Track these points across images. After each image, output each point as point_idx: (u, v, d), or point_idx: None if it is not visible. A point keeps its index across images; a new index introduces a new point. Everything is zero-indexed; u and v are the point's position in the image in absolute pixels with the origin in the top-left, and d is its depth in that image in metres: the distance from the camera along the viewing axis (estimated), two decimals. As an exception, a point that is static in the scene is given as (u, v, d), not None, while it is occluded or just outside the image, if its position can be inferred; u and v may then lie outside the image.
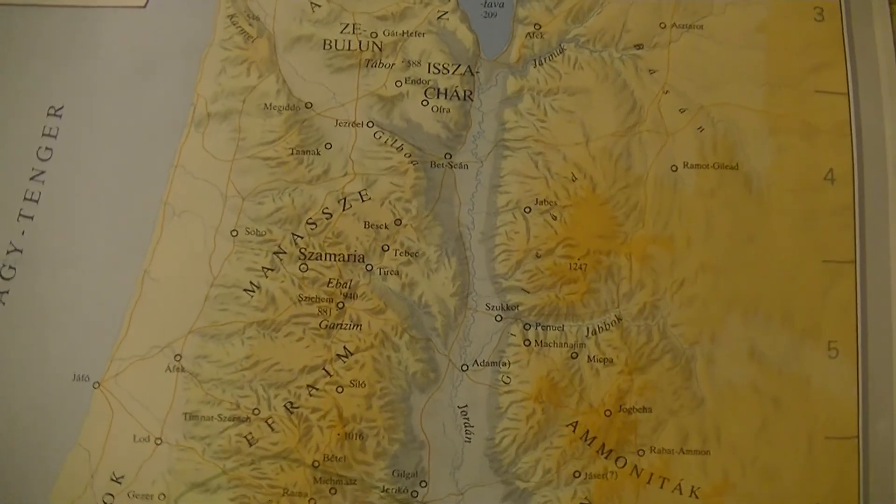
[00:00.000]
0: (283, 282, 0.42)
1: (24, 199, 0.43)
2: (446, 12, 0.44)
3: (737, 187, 0.44)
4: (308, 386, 0.42)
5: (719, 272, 0.44)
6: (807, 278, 0.44)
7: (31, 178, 0.43)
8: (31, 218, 0.43)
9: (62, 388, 0.42)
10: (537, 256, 0.43)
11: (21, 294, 0.42)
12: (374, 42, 0.44)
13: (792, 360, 0.44)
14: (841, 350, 0.44)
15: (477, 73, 0.44)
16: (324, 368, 0.42)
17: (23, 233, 0.43)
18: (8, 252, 0.43)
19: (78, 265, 0.43)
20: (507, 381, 0.42)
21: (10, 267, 0.43)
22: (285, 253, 0.42)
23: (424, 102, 0.43)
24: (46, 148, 0.43)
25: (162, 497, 0.42)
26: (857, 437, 0.44)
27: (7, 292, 0.42)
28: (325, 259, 0.42)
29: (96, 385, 0.42)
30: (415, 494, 0.42)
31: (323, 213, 0.42)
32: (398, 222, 0.43)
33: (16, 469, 0.42)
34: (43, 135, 0.43)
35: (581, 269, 0.43)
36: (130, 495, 0.42)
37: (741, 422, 0.43)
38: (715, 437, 0.43)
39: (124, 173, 0.43)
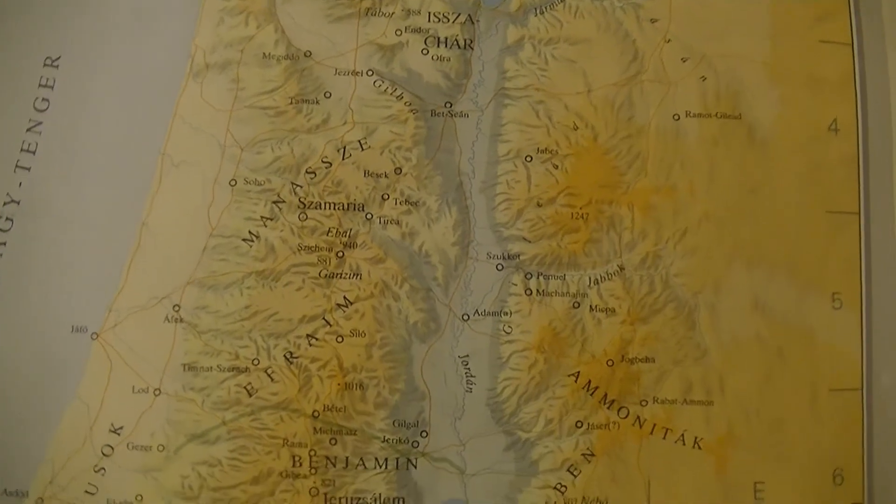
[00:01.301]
0: (282, 231, 0.42)
1: (22, 150, 0.43)
2: (446, -38, 0.44)
3: (740, 137, 0.44)
4: (308, 336, 0.42)
5: (722, 222, 0.43)
6: (811, 229, 0.44)
7: (28, 130, 0.43)
8: (28, 169, 0.43)
9: (60, 340, 0.42)
10: (538, 205, 0.42)
11: (18, 246, 0.42)
12: (373, -9, 0.44)
13: (796, 312, 0.43)
14: (845, 301, 0.44)
15: (477, 21, 0.43)
16: (323, 318, 0.42)
17: (20, 184, 0.42)
18: (5, 203, 0.42)
19: (76, 216, 0.42)
20: (509, 330, 0.42)
21: (7, 219, 0.42)
22: (284, 202, 0.42)
23: (424, 51, 0.43)
24: (43, 99, 0.43)
25: (161, 448, 0.41)
26: (861, 389, 0.44)
27: (4, 244, 0.42)
28: (325, 208, 0.42)
29: (95, 336, 0.42)
30: (416, 445, 0.42)
31: (322, 162, 0.42)
32: (398, 171, 0.42)
33: (14, 421, 0.41)
34: (40, 86, 0.43)
35: (583, 218, 0.43)
36: (129, 447, 0.41)
37: (745, 373, 0.43)
38: (718, 387, 0.43)
39: (122, 124, 0.43)
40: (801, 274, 0.44)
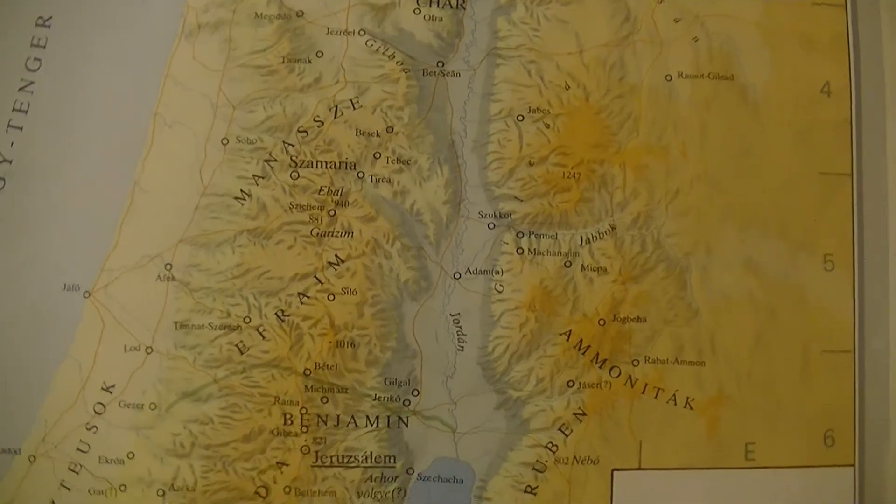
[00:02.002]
0: (274, 190, 0.42)
1: (13, 109, 0.43)
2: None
3: (732, 99, 0.44)
4: (299, 294, 0.42)
5: (714, 183, 0.43)
6: (803, 191, 0.44)
7: (20, 89, 0.43)
8: (20, 128, 0.43)
9: (52, 299, 0.42)
10: (530, 164, 0.42)
11: (10, 205, 0.42)
12: (365, -48, 0.44)
13: (787, 273, 0.43)
14: (837, 263, 0.44)
15: (469, -19, 0.43)
16: (315, 276, 0.42)
17: (12, 144, 0.42)
18: (-3, 163, 0.42)
19: (68, 176, 0.42)
20: (500, 289, 0.42)
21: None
22: (276, 161, 0.42)
23: (416, 11, 0.43)
24: (35, 58, 0.43)
25: (153, 406, 0.41)
26: (854, 351, 0.44)
27: (-4, 203, 0.42)
28: (317, 167, 0.42)
29: (87, 295, 0.42)
30: (407, 403, 0.42)
31: (314, 120, 0.42)
32: (390, 130, 0.42)
33: (6, 381, 0.41)
34: (31, 45, 0.43)
35: (574, 177, 0.42)
36: (121, 405, 0.41)
37: (736, 334, 0.43)
38: (710, 348, 0.43)
39: (114, 84, 0.43)
40: (793, 235, 0.43)
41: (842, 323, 0.44)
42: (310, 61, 0.42)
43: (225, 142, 0.42)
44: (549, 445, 0.42)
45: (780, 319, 0.43)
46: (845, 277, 0.44)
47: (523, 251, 0.42)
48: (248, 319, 0.41)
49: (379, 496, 0.42)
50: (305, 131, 0.42)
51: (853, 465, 0.44)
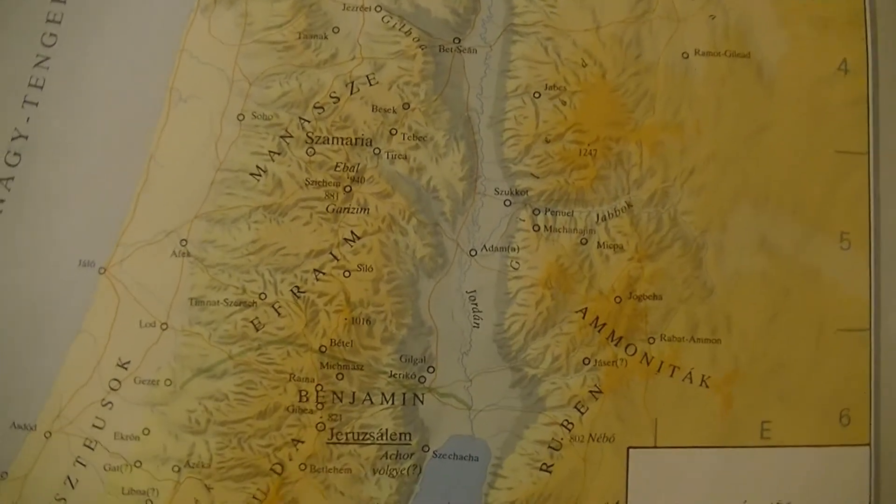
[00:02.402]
0: (289, 166, 0.42)
1: (29, 85, 0.42)
2: None
3: (748, 76, 0.44)
4: (315, 270, 0.41)
5: (730, 161, 0.43)
6: (819, 169, 0.44)
7: (36, 65, 0.43)
8: (36, 104, 0.42)
9: (68, 275, 0.42)
10: (546, 141, 0.42)
11: (26, 180, 0.42)
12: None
13: (803, 252, 0.43)
14: (853, 242, 0.44)
15: (486, -42, 0.43)
16: (331, 253, 0.42)
17: (27, 119, 0.42)
18: (13, 138, 0.42)
19: (83, 151, 0.42)
20: (516, 266, 0.42)
21: (15, 153, 0.42)
22: (292, 137, 0.42)
23: (433, -13, 0.43)
24: (51, 34, 0.43)
25: (168, 383, 0.41)
26: (869, 329, 0.44)
27: (12, 178, 0.42)
28: (333, 143, 0.42)
29: (102, 271, 0.41)
30: (422, 380, 0.42)
31: (330, 97, 0.42)
32: (406, 106, 0.42)
33: (22, 355, 0.41)
34: (47, 21, 0.43)
35: (591, 154, 0.42)
36: (136, 381, 0.41)
37: (752, 312, 0.43)
38: (725, 326, 0.43)
39: (130, 59, 0.43)
40: (808, 214, 0.43)
41: (857, 301, 0.44)
42: (326, 37, 0.42)
43: (241, 117, 0.42)
44: (565, 423, 0.42)
45: (795, 298, 0.43)
46: (861, 256, 0.44)
47: (539, 228, 0.42)
48: (263, 296, 0.41)
49: (394, 473, 0.42)
50: (321, 107, 0.42)
51: (869, 445, 0.44)
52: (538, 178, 0.42)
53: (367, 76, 0.42)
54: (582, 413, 0.42)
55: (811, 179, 0.44)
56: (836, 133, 0.44)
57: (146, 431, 0.41)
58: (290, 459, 0.41)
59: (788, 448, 0.43)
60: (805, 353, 0.43)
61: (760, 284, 0.43)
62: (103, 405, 0.41)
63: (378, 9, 0.43)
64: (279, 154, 0.42)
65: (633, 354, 0.42)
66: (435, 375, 0.42)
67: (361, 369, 0.42)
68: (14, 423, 0.41)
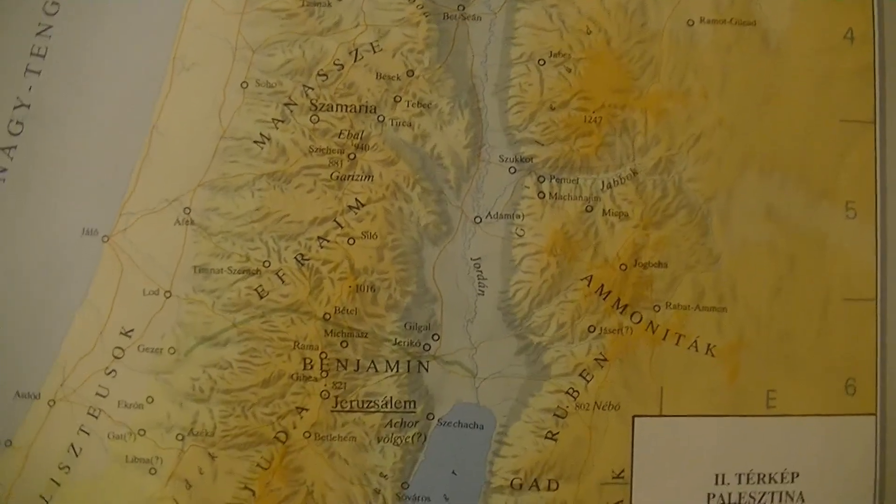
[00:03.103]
0: (293, 133, 0.42)
1: (31, 54, 0.42)
2: None
3: (754, 44, 0.43)
4: (319, 238, 0.41)
5: (735, 129, 0.43)
6: (824, 138, 0.43)
7: (38, 34, 0.42)
8: (38, 73, 0.42)
9: (71, 244, 0.41)
10: (551, 109, 0.42)
11: (29, 149, 0.42)
12: None
13: (809, 220, 0.43)
14: (859, 211, 0.44)
15: (490, -76, 0.43)
16: (335, 220, 0.41)
17: (30, 88, 0.42)
18: (15, 107, 0.42)
19: (86, 120, 0.42)
20: (521, 233, 0.42)
21: (18, 122, 0.42)
22: (296, 104, 0.42)
23: (437, -46, 0.43)
24: (53, 2, 0.43)
25: (172, 351, 0.41)
26: (876, 299, 0.44)
27: (14, 147, 0.42)
28: (337, 110, 0.42)
29: (105, 239, 0.41)
30: (427, 348, 0.42)
31: (334, 64, 0.42)
32: (410, 73, 0.42)
33: (25, 324, 0.41)
34: (50, -11, 0.43)
35: (595, 122, 0.42)
36: (140, 349, 0.41)
37: (757, 280, 0.43)
38: (731, 294, 0.43)
39: (132, 28, 0.42)
40: (814, 182, 0.43)
41: (864, 271, 0.43)
42: (329, 4, 0.42)
43: (244, 85, 0.42)
44: (570, 391, 0.42)
45: (801, 267, 0.43)
46: (867, 225, 0.44)
47: (544, 195, 0.42)
48: (267, 263, 0.41)
49: (399, 441, 0.41)
50: (325, 75, 0.42)
51: (875, 414, 0.43)
52: (543, 145, 0.42)
53: (371, 43, 0.42)
54: (587, 381, 0.42)
55: (817, 148, 0.43)
56: (843, 102, 0.43)
57: (150, 400, 0.41)
58: (295, 427, 0.41)
59: (794, 417, 0.43)
60: (811, 322, 0.43)
61: (766, 253, 0.43)
62: (107, 373, 0.41)
63: (382, -24, 0.42)
64: (283, 122, 0.42)
65: (639, 322, 0.42)
66: (439, 343, 0.42)
67: (366, 337, 0.41)
68: (18, 392, 0.41)
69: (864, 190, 0.44)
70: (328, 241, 0.41)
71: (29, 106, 0.42)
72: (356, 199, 0.41)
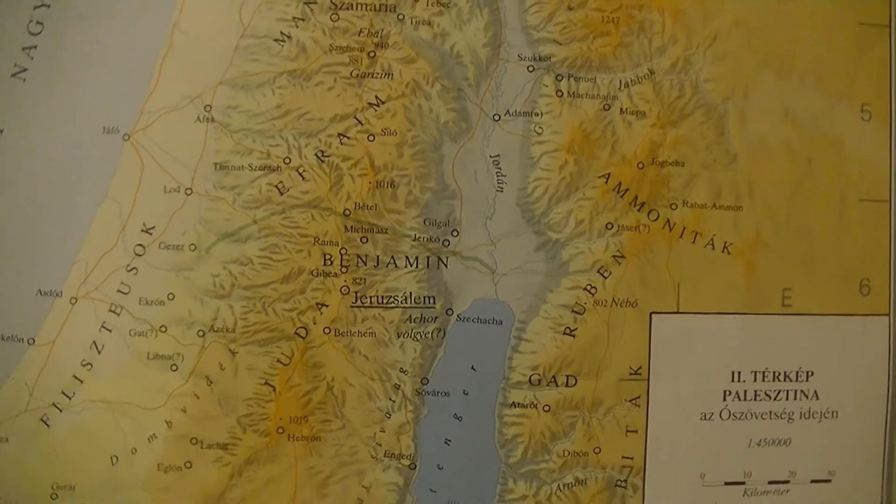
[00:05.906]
0: (313, 31, 0.42)
1: (52, -46, 0.42)
2: None
3: (771, -53, 0.44)
4: (339, 134, 0.42)
5: (752, 29, 0.43)
6: (841, 40, 0.44)
7: (59, -65, 0.43)
8: (59, -27, 0.42)
9: (92, 142, 0.42)
10: (569, 9, 0.42)
11: (49, 49, 0.42)
12: None
13: (825, 122, 0.43)
14: (874, 113, 0.44)
15: None
16: (355, 117, 0.42)
17: (51, -12, 0.42)
18: (35, 7, 0.42)
19: (106, 18, 0.42)
20: (540, 131, 0.42)
21: (38, 22, 0.42)
22: (316, 3, 0.42)
23: None
24: None
25: (192, 247, 0.41)
26: (890, 201, 0.44)
27: (35, 47, 0.42)
28: (356, 9, 0.42)
29: (126, 137, 0.42)
30: (446, 244, 0.42)
31: (354, -38, 0.42)
32: (430, -29, 0.42)
33: (47, 224, 0.41)
34: None
35: (613, 22, 0.42)
36: (161, 246, 0.41)
37: (774, 180, 0.43)
38: (748, 193, 0.43)
39: (152, -71, 0.43)
40: (830, 84, 0.44)
41: (878, 172, 0.44)
42: None
43: (264, -17, 0.42)
44: (588, 287, 0.42)
45: (817, 168, 0.43)
46: (882, 127, 0.44)
47: (563, 94, 0.42)
48: (287, 160, 0.41)
49: (418, 337, 0.42)
50: (345, -27, 0.42)
51: (888, 315, 0.44)
52: (561, 44, 0.42)
53: (390, -58, 0.42)
54: (605, 277, 0.42)
55: (834, 50, 0.44)
56: (860, 4, 0.44)
57: (171, 296, 0.41)
58: (315, 323, 0.42)
59: (809, 316, 0.43)
60: (827, 222, 0.43)
61: (783, 153, 0.43)
62: (128, 271, 0.41)
63: None
64: (303, 20, 0.42)
65: (656, 220, 0.42)
66: (459, 239, 0.42)
67: (386, 233, 0.42)
68: (40, 290, 0.41)
69: (880, 93, 0.44)
70: (348, 137, 0.42)
71: (49, 6, 0.42)
72: (376, 97, 0.42)
